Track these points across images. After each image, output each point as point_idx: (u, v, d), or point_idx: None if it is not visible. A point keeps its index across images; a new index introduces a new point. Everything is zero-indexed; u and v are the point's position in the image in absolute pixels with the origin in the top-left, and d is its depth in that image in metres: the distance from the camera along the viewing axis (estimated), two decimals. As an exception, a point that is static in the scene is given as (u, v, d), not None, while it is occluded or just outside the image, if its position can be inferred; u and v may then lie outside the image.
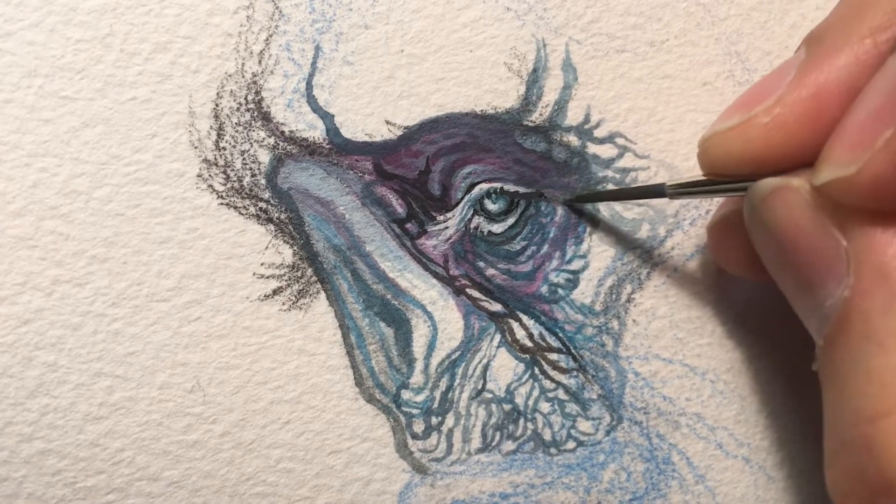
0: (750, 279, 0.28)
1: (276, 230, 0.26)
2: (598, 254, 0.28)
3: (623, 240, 0.29)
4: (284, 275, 0.27)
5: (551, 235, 0.28)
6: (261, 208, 0.26)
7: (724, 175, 0.24)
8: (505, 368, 0.28)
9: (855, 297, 0.20)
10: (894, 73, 0.20)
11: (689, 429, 0.29)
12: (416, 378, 0.28)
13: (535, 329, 0.28)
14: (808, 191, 0.21)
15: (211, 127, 0.26)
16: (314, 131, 0.27)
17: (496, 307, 0.28)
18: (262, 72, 0.26)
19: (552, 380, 0.28)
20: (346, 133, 0.27)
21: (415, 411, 0.28)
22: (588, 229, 0.28)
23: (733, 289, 0.29)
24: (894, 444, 0.19)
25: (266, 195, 0.26)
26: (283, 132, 0.26)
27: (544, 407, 0.28)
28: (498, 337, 0.28)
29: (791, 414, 0.30)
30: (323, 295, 0.27)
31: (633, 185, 0.28)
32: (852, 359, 0.20)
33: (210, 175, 0.26)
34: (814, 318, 0.22)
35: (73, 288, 0.25)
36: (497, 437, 0.28)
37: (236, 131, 0.26)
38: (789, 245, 0.22)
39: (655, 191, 0.26)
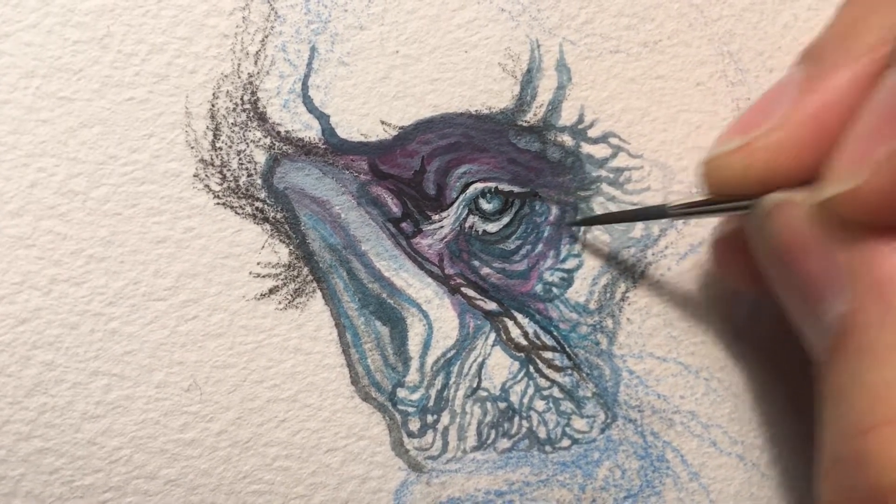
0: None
1: (272, 230, 0.27)
2: (593, 252, 0.29)
3: (617, 238, 0.29)
4: (281, 274, 0.27)
5: (546, 234, 0.28)
6: (257, 208, 0.27)
7: (726, 195, 0.24)
8: (500, 367, 0.28)
9: (853, 311, 0.20)
10: (892, 88, 0.20)
11: (684, 426, 0.29)
12: (412, 376, 0.28)
13: (530, 327, 0.28)
14: (811, 206, 0.22)
15: (207, 127, 0.26)
16: (310, 131, 0.27)
17: (491, 306, 0.28)
18: (259, 72, 0.26)
19: (547, 378, 0.28)
20: (342, 133, 0.27)
21: (410, 409, 0.28)
22: (582, 228, 0.29)
23: (727, 287, 0.29)
24: (886, 455, 0.19)
25: (262, 195, 0.27)
26: (278, 132, 0.27)
27: (539, 405, 0.28)
28: (493, 335, 0.28)
29: (785, 412, 0.30)
30: (319, 294, 0.27)
31: (635, 208, 0.28)
32: (849, 373, 0.20)
33: (206, 175, 0.26)
34: (814, 333, 0.22)
35: (71, 287, 0.25)
36: (492, 435, 0.28)
37: (232, 131, 0.26)
38: (791, 259, 0.22)
39: (657, 212, 0.26)
